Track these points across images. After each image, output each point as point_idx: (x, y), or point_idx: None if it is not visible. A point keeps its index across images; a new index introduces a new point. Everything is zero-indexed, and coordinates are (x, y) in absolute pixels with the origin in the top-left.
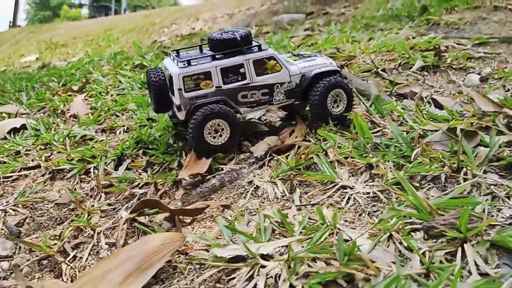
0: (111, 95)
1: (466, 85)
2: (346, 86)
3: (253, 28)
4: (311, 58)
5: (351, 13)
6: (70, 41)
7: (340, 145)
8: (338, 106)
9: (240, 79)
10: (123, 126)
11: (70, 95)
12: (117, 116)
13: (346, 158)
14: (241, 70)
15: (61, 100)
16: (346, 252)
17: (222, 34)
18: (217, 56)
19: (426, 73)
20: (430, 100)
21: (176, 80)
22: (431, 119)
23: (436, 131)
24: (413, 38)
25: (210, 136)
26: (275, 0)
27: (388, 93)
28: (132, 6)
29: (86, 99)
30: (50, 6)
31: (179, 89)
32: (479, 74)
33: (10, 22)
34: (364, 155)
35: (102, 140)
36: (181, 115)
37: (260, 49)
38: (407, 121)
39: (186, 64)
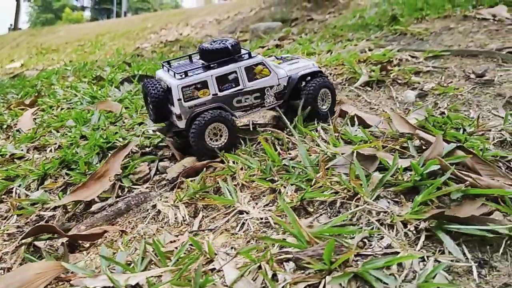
0: (61, 109)
1: (403, 101)
2: (331, 85)
3: (237, 34)
4: (294, 61)
5: (334, 19)
6: (62, 46)
7: (249, 167)
8: (324, 104)
9: (234, 85)
10: (55, 144)
11: (22, 109)
12: (53, 133)
13: (252, 181)
14: (235, 77)
15: (10, 115)
16: (201, 285)
17: (212, 44)
18: (211, 65)
19: (369, 88)
20: (355, 118)
21: (175, 91)
22: (349, 139)
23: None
24: (370, 50)
25: (210, 139)
26: (264, 6)
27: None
28: (134, 8)
29: (36, 113)
30: (53, 8)
31: (179, 99)
32: (421, 89)
33: (11, 25)
34: (268, 178)
35: (31, 159)
36: (181, 124)
37: (250, 56)
38: (319, 144)
39: (184, 75)
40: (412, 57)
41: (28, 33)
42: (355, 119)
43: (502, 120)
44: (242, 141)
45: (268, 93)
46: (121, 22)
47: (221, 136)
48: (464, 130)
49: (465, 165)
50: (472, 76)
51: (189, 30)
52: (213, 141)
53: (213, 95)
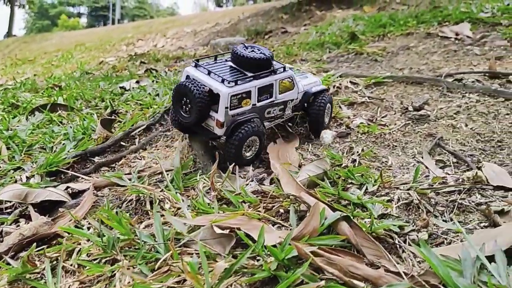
0: None
1: (319, 143)
2: (332, 101)
3: (198, 49)
4: (304, 76)
5: (305, 33)
6: (40, 57)
7: (88, 242)
8: (327, 117)
9: (269, 97)
10: None
11: None
12: None
13: (83, 266)
14: (271, 89)
15: None
16: None
17: (251, 52)
18: (260, 75)
19: (291, 124)
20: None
21: (224, 99)
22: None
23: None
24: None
25: (244, 150)
26: (243, 17)
27: None
28: (131, 15)
29: None
30: (49, 15)
31: (226, 107)
32: (347, 126)
33: (7, 33)
34: (108, 258)
35: None
36: (220, 131)
37: (284, 70)
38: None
39: (234, 84)
40: (353, 83)
41: (22, 40)
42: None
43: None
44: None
45: (289, 105)
46: (114, 29)
47: (252, 147)
48: (366, 188)
49: (350, 241)
50: (410, 108)
51: (164, 41)
52: (246, 151)
53: (252, 105)
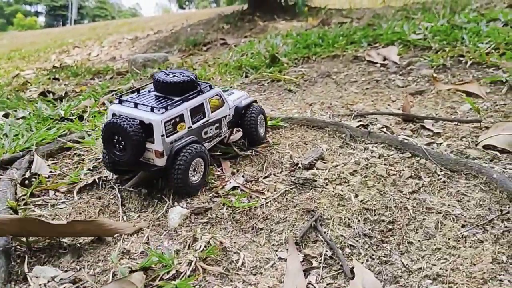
0: None
1: (165, 225)
2: (264, 111)
3: (119, 64)
4: (230, 92)
5: (242, 45)
6: None
7: None
8: (261, 128)
9: (202, 117)
10: None
11: None
12: None
13: None
14: (202, 109)
15: None
16: None
17: (174, 77)
18: (188, 97)
19: (144, 190)
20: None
21: (158, 127)
22: None
23: None
24: None
25: (191, 176)
26: (186, 24)
27: None
28: (92, 15)
29: None
30: (4, 13)
31: (162, 135)
32: (216, 193)
33: None
34: None
35: None
36: (161, 161)
37: (211, 88)
38: None
39: (164, 110)
40: None
41: None
42: None
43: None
44: None
45: (224, 122)
46: (69, 30)
47: (197, 170)
48: None
49: None
50: (300, 166)
51: (99, 50)
52: (192, 176)
53: (188, 128)
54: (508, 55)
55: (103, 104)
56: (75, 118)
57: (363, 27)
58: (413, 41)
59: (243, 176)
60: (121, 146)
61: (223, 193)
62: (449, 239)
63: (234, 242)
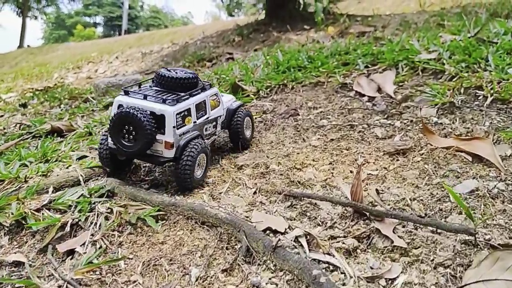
0: None
1: None
2: (251, 115)
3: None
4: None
5: (223, 66)
6: (7, 76)
7: None
8: (247, 130)
9: (204, 114)
10: None
11: None
12: None
13: None
14: (204, 106)
15: None
16: None
17: (177, 73)
18: (193, 93)
19: None
20: None
21: (170, 118)
22: None
23: None
24: None
25: (196, 171)
26: (200, 37)
27: None
28: (146, 25)
29: None
30: (66, 25)
31: (174, 127)
32: None
33: (28, 45)
34: None
35: None
36: (170, 153)
37: (211, 87)
38: None
39: (176, 102)
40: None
41: (28, 52)
42: None
43: None
44: None
45: (219, 122)
46: (116, 41)
47: (200, 166)
48: None
49: None
50: None
51: (106, 66)
52: (196, 171)
53: (193, 122)
54: None
55: None
56: None
57: (368, 41)
58: (422, 62)
59: None
60: (131, 137)
61: None
62: None
63: None
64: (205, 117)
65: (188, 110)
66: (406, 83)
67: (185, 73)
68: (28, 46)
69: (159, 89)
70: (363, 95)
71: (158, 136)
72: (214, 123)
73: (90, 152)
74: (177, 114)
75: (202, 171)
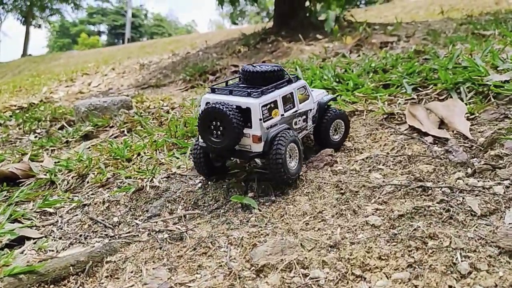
0: None
1: None
2: (346, 118)
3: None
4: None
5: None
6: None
7: None
8: (336, 134)
9: (292, 107)
10: None
11: None
12: None
13: None
14: (291, 99)
15: None
16: None
17: (261, 67)
18: (277, 86)
19: None
20: None
21: (256, 110)
22: None
23: None
24: None
25: (289, 162)
26: (204, 46)
27: None
28: (149, 33)
29: None
30: (70, 33)
31: (260, 119)
32: None
33: (29, 54)
34: None
35: None
36: (259, 147)
37: (298, 79)
38: None
39: (261, 94)
40: None
41: (32, 60)
42: None
43: None
44: None
45: (309, 116)
46: (119, 49)
47: (293, 157)
48: None
49: None
50: None
51: (100, 79)
52: (289, 163)
53: (281, 115)
54: None
55: None
56: None
57: (408, 54)
58: (495, 86)
59: None
60: (219, 132)
61: None
62: None
63: None
64: (293, 110)
65: (275, 102)
66: (478, 116)
67: (271, 66)
68: (29, 55)
69: (245, 85)
70: (424, 133)
71: (246, 130)
72: (304, 117)
73: (39, 228)
74: (263, 106)
75: (296, 163)
